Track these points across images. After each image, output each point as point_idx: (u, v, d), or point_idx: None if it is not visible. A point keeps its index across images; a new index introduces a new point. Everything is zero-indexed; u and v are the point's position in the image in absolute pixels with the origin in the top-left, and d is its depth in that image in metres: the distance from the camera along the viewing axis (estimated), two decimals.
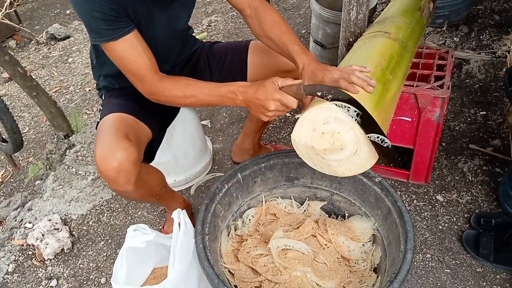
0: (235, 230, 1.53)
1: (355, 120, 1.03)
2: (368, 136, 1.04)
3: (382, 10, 2.97)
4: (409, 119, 1.64)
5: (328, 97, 1.04)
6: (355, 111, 1.02)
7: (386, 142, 1.04)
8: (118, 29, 1.14)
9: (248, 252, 1.40)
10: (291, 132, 2.15)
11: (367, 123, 1.03)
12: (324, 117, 1.06)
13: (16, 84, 3.00)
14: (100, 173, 1.22)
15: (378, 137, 1.04)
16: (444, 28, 2.67)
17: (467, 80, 2.34)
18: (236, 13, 3.46)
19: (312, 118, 1.08)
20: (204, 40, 1.71)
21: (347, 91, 1.05)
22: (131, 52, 1.18)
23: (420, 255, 1.57)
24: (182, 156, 1.86)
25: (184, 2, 1.35)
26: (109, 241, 1.78)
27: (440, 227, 1.66)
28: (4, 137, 2.52)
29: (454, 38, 2.65)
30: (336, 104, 1.04)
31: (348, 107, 1.03)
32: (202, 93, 1.20)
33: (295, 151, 1.19)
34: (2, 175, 2.77)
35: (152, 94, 1.25)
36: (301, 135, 1.12)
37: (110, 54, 1.20)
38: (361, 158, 1.09)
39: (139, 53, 1.19)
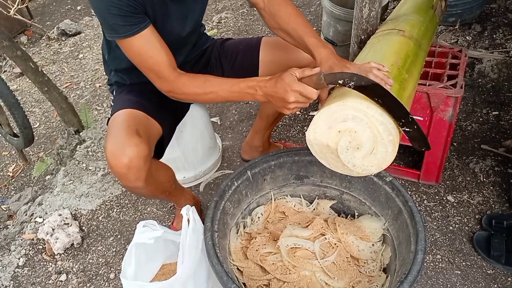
0: (244, 227, 1.53)
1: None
2: (399, 123, 1.02)
3: (393, 8, 2.95)
4: (421, 118, 1.63)
5: (350, 84, 1.00)
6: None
7: (415, 124, 1.00)
8: (135, 25, 1.14)
9: (257, 250, 1.40)
10: (300, 130, 2.18)
11: (393, 108, 1.00)
12: (341, 114, 1.05)
13: (27, 79, 3.03)
14: (110, 169, 1.23)
15: (409, 119, 1.00)
16: (456, 27, 2.65)
17: (480, 80, 2.32)
18: (246, 10, 3.45)
19: (329, 115, 1.06)
20: (216, 37, 1.71)
21: None
22: (148, 47, 1.17)
23: (430, 255, 1.56)
24: (192, 153, 1.86)
25: None
26: (119, 236, 1.79)
27: (451, 228, 1.64)
28: (15, 132, 2.54)
29: (467, 37, 2.62)
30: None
31: (367, 105, 1.01)
32: (222, 90, 1.18)
33: (305, 149, 1.19)
34: (13, 169, 2.80)
35: (171, 91, 1.24)
36: (317, 133, 1.10)
37: (127, 50, 1.19)
38: (377, 157, 1.08)
39: (157, 48, 1.18)
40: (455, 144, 1.96)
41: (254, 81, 1.14)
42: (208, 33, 3.20)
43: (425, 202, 1.74)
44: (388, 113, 1.02)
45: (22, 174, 2.72)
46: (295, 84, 1.05)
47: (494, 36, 2.59)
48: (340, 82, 1.01)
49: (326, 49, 1.20)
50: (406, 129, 1.03)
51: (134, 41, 1.16)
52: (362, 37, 1.65)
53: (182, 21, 1.33)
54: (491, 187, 1.76)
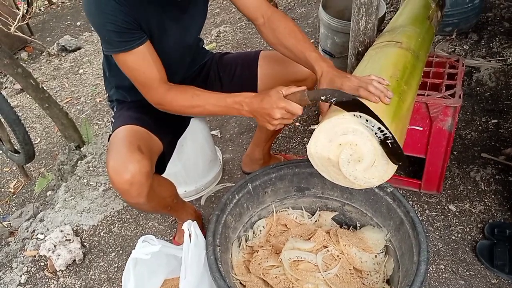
0: (246, 241, 1.53)
1: (375, 133, 1.03)
2: (378, 136, 1.03)
3: (391, 19, 2.98)
4: (421, 129, 1.63)
5: (332, 100, 1.05)
6: (374, 125, 1.02)
7: (389, 137, 1.02)
8: (130, 41, 1.16)
9: (259, 264, 1.40)
10: (301, 142, 2.19)
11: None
12: (342, 128, 1.05)
13: (28, 96, 3.05)
14: (112, 185, 1.23)
15: (381, 131, 1.01)
16: (453, 36, 2.66)
17: (478, 88, 2.33)
18: (244, 23, 3.48)
19: (329, 129, 1.07)
20: (214, 51, 1.72)
21: (367, 100, 1.06)
22: (141, 63, 1.20)
23: (433, 266, 1.55)
24: (193, 166, 1.86)
25: (194, 13, 1.36)
26: (120, 252, 1.79)
27: (453, 237, 1.64)
28: (16, 148, 2.55)
29: (464, 46, 2.63)
30: (354, 115, 1.03)
31: (366, 119, 1.02)
32: (208, 104, 1.22)
33: (306, 161, 1.19)
34: (14, 185, 2.80)
35: (160, 104, 1.27)
36: (318, 146, 1.11)
37: (121, 64, 1.22)
38: (378, 170, 1.08)
39: (150, 64, 1.21)
40: (455, 153, 1.97)
41: (240, 96, 1.18)
42: (207, 47, 3.23)
43: (426, 211, 1.73)
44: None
45: (23, 190, 2.72)
46: (281, 101, 1.10)
47: (491, 44, 2.60)
48: (323, 98, 1.06)
49: (326, 63, 1.22)
50: (385, 143, 1.05)
51: (128, 56, 1.18)
52: (360, 49, 1.66)
53: (180, 36, 1.35)
54: (493, 196, 1.76)
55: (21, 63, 2.33)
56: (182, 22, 1.32)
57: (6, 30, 3.84)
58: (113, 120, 1.48)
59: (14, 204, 2.62)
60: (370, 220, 1.49)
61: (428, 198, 1.78)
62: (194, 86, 1.28)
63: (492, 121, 2.12)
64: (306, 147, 2.14)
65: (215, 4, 4.03)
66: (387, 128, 1.01)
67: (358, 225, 1.54)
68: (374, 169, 1.09)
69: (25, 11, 4.16)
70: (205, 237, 1.31)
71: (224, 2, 4.00)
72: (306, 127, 2.28)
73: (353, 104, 1.03)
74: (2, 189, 2.80)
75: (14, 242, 1.97)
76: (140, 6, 1.16)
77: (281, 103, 1.09)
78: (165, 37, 1.29)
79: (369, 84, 1.10)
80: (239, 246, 1.49)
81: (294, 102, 1.10)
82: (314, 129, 1.11)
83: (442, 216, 1.71)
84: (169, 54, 1.32)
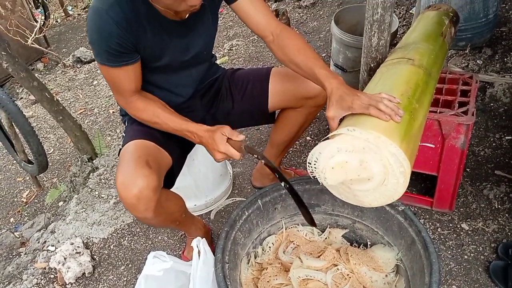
0: (255, 257, 1.52)
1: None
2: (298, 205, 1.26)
3: (403, 33, 2.97)
4: (433, 146, 1.62)
5: (261, 160, 1.26)
6: None
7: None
8: (119, 61, 1.22)
9: (268, 281, 1.39)
10: None
11: (292, 191, 1.26)
12: (351, 145, 1.04)
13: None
14: (121, 200, 1.24)
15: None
16: (467, 51, 2.64)
17: (492, 104, 2.30)
18: (256, 37, 3.50)
19: (340, 145, 1.06)
20: (226, 67, 1.73)
21: (378, 118, 1.06)
22: (122, 78, 1.27)
23: (445, 286, 1.52)
24: (203, 180, 1.87)
25: (200, 30, 1.36)
26: (130, 265, 1.79)
27: (466, 257, 1.60)
28: (30, 158, 2.59)
29: (477, 61, 2.61)
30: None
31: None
32: (166, 124, 1.33)
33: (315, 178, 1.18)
34: (26, 195, 2.84)
35: (126, 108, 1.35)
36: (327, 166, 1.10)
37: (102, 73, 1.29)
38: (388, 189, 1.07)
39: (129, 79, 1.28)
40: (468, 169, 1.94)
41: (194, 128, 1.30)
42: (219, 60, 3.26)
43: (438, 230, 1.71)
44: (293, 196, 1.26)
45: (36, 200, 2.75)
46: (221, 146, 1.24)
47: (505, 59, 2.57)
48: (255, 156, 1.25)
49: (336, 80, 1.21)
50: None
51: (112, 70, 1.24)
52: (372, 65, 1.66)
53: (184, 53, 1.36)
54: (507, 214, 1.73)
55: (36, 75, 2.38)
56: (186, 39, 1.33)
57: (23, 42, 3.93)
58: (124, 134, 1.49)
59: (26, 214, 2.66)
60: (381, 238, 1.47)
61: (440, 216, 1.76)
62: (160, 103, 1.36)
63: (506, 137, 2.08)
64: None
65: (228, 17, 4.07)
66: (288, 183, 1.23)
67: (368, 243, 1.52)
68: (384, 188, 1.08)
69: (42, 23, 4.26)
70: (213, 253, 1.31)
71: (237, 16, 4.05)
72: (317, 142, 2.27)
73: (274, 170, 1.25)
74: (15, 199, 2.84)
75: (25, 254, 1.99)
76: (142, 28, 1.20)
77: (221, 149, 1.23)
78: (167, 54, 1.32)
79: (379, 102, 1.09)
80: (248, 263, 1.49)
81: (234, 147, 1.24)
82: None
83: (455, 235, 1.68)
84: (173, 70, 1.37)
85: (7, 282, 1.83)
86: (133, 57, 1.23)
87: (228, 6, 1.39)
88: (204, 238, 1.34)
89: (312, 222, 1.28)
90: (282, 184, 1.25)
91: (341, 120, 1.17)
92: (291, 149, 2.23)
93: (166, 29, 1.26)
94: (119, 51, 1.18)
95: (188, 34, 1.32)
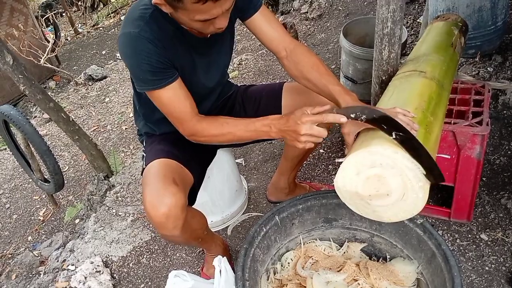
0: (274, 274, 1.52)
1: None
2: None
3: (411, 43, 2.98)
4: (448, 157, 1.61)
5: (362, 117, 1.06)
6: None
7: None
8: (163, 79, 1.21)
9: None
10: (325, 169, 2.19)
11: (410, 147, 1.02)
12: (369, 160, 1.05)
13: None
14: (149, 219, 1.26)
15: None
16: (477, 59, 2.64)
17: (505, 111, 2.29)
18: (265, 51, 3.54)
19: (357, 162, 1.07)
20: (236, 81, 1.76)
21: None
22: (174, 99, 1.25)
23: None
24: (219, 196, 1.88)
25: (221, 50, 1.41)
26: (149, 283, 1.80)
27: (487, 268, 1.59)
28: (46, 177, 2.62)
29: (488, 68, 2.61)
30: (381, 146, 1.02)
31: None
32: (239, 130, 1.26)
33: (333, 192, 1.19)
34: (43, 213, 2.87)
35: (192, 135, 1.31)
36: (345, 180, 1.11)
37: (155, 100, 1.27)
38: (408, 203, 1.07)
39: (181, 99, 1.26)
40: (484, 179, 1.93)
41: (268, 119, 1.22)
42: (230, 75, 3.28)
43: (457, 241, 1.70)
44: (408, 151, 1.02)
45: (53, 218, 2.78)
46: (304, 116, 1.13)
47: None
48: (352, 116, 1.07)
49: (350, 97, 1.23)
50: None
51: (162, 93, 1.23)
52: (383, 78, 1.67)
53: (207, 73, 1.39)
54: None
55: (49, 93, 2.41)
56: (209, 58, 1.37)
57: (36, 62, 4.01)
58: (145, 154, 1.51)
59: (43, 232, 2.68)
60: (401, 252, 1.47)
61: (459, 227, 1.75)
62: (222, 116, 1.33)
63: None
64: (330, 174, 2.14)
65: (236, 31, 4.11)
66: (418, 141, 1.01)
67: (388, 256, 1.52)
68: (403, 203, 1.08)
69: (53, 42, 4.33)
70: (233, 269, 1.32)
71: (245, 29, 4.08)
72: (330, 154, 2.28)
73: (383, 121, 1.03)
74: (32, 217, 2.87)
75: (45, 273, 2.01)
76: (173, 47, 1.23)
77: (305, 118, 1.13)
78: (195, 71, 1.34)
79: (394, 117, 1.10)
80: (268, 279, 1.49)
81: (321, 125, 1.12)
82: (341, 161, 1.11)
83: (474, 246, 1.67)
84: (198, 88, 1.38)
85: None
86: (174, 73, 1.23)
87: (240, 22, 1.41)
88: (225, 257, 1.35)
89: (439, 175, 1.04)
90: (393, 135, 1.02)
91: (357, 135, 1.18)
92: (305, 162, 2.24)
93: (195, 48, 1.30)
94: (160, 68, 1.19)
95: (211, 52, 1.36)
